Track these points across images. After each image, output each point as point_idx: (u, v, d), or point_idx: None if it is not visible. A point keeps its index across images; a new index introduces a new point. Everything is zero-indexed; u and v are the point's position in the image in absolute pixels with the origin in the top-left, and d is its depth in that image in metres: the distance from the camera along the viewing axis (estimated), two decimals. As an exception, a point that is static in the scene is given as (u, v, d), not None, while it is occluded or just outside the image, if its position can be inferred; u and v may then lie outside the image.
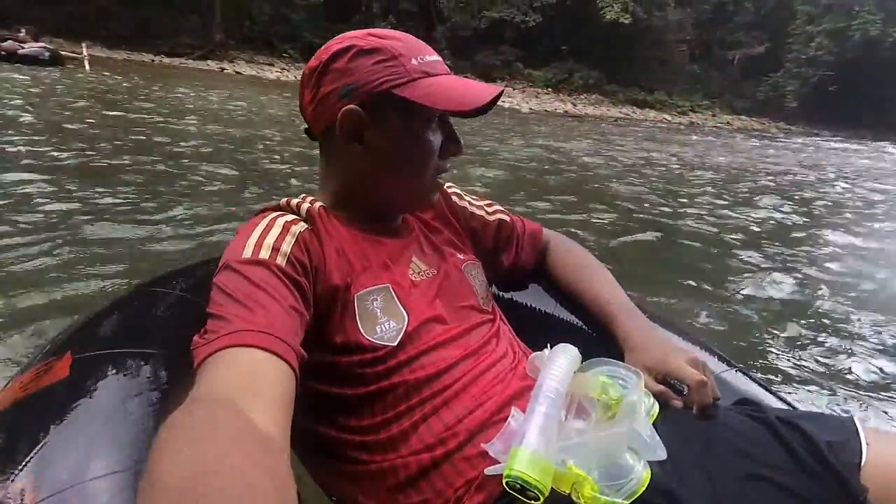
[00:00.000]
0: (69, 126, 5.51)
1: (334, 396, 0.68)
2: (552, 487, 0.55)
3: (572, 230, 3.54)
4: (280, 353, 0.53)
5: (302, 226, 0.70)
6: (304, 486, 0.72)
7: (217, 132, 6.33)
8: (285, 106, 10.28)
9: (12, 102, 6.55)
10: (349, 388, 0.68)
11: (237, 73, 19.61)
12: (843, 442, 0.69)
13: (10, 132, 4.76)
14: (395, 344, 0.69)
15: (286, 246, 0.65)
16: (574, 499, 0.57)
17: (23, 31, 13.22)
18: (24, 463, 0.46)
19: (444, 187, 0.95)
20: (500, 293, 1.06)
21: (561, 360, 0.69)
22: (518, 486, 0.54)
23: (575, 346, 0.92)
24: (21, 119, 5.54)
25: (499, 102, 0.73)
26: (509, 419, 0.65)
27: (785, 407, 0.87)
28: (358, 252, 0.73)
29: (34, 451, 0.47)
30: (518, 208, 3.74)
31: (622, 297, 0.92)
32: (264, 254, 0.63)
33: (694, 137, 15.84)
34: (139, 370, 0.58)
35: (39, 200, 2.98)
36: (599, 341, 0.94)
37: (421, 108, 0.69)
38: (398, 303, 0.72)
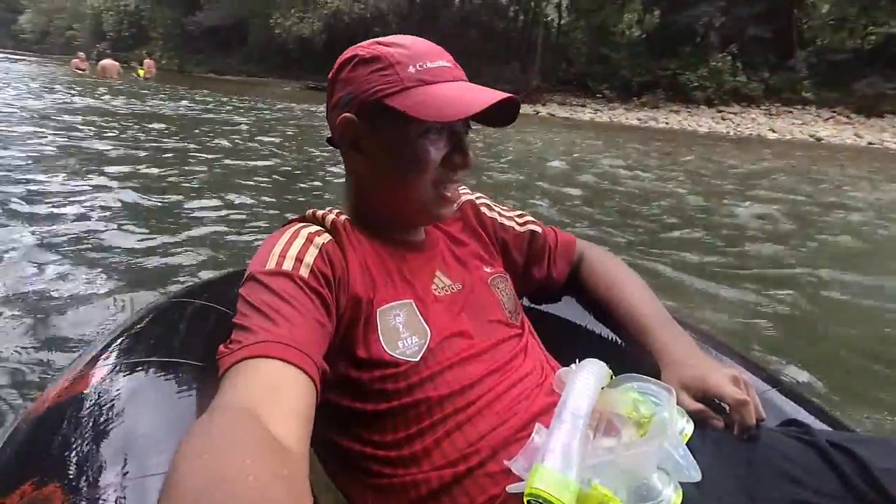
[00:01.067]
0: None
1: (357, 411, 0.68)
2: (576, 507, 0.53)
3: None
4: (301, 365, 0.54)
5: (326, 237, 0.70)
6: (326, 496, 0.72)
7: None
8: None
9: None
10: (371, 402, 0.67)
11: (550, 115, 19.45)
12: None
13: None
14: (418, 359, 0.68)
15: (309, 257, 0.65)
16: None
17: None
18: (52, 469, 0.48)
19: (474, 199, 0.94)
20: (533, 306, 1.04)
21: (586, 377, 0.67)
22: (539, 504, 0.52)
23: (609, 361, 0.89)
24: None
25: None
26: (533, 435, 0.63)
27: (838, 430, 0.81)
28: (380, 266, 0.73)
29: (63, 457, 0.48)
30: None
31: (659, 309, 0.88)
32: (288, 265, 0.63)
33: None
34: (168, 379, 0.60)
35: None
36: (634, 356, 0.90)
37: (414, 118, 0.67)
38: (420, 318, 0.71)
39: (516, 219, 0.96)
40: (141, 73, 17.22)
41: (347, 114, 0.71)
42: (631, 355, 0.91)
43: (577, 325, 1.02)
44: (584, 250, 1.00)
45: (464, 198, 0.93)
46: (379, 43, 0.72)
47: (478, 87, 0.69)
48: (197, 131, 7.25)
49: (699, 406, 0.73)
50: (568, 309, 1.03)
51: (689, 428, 0.66)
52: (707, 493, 0.63)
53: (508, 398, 0.70)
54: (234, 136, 7.11)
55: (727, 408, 0.72)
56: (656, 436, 0.60)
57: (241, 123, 8.80)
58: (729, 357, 0.91)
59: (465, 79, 0.72)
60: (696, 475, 0.59)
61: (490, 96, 0.67)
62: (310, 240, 0.68)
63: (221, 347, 0.56)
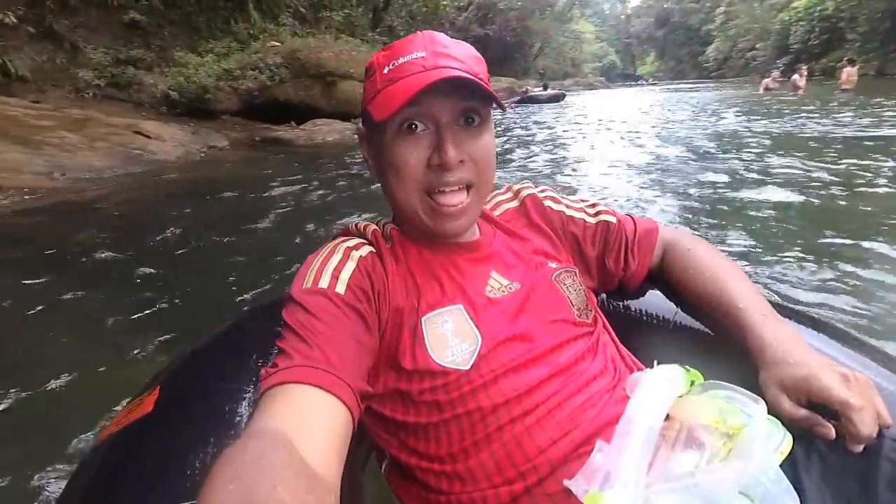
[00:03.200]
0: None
1: (410, 424, 0.66)
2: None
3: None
4: (335, 391, 0.53)
5: (365, 250, 0.69)
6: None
7: None
8: None
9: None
10: (424, 415, 0.66)
11: None
12: None
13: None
14: (468, 367, 0.65)
15: (346, 273, 0.64)
16: None
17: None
18: (101, 494, 0.51)
19: (537, 192, 0.88)
20: (615, 302, 0.94)
21: (656, 385, 0.60)
22: (595, 537, 0.47)
23: (696, 361, 0.78)
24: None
25: None
26: (594, 453, 0.58)
27: None
28: (427, 272, 0.71)
29: (113, 483, 0.52)
30: None
31: (759, 301, 0.75)
32: (324, 283, 0.63)
33: None
34: (221, 404, 0.61)
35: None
36: (733, 355, 0.79)
37: (380, 122, 0.64)
38: (471, 323, 0.67)
39: (587, 210, 0.89)
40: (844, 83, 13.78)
41: (359, 125, 0.73)
42: (728, 354, 0.81)
43: (663, 321, 0.91)
44: (669, 238, 0.89)
45: (525, 192, 0.88)
46: (384, 49, 0.70)
47: (435, 72, 0.63)
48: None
49: (804, 413, 0.62)
50: (654, 303, 0.93)
51: (785, 444, 0.57)
52: None
53: (572, 405, 0.65)
54: None
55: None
56: (740, 457, 0.52)
57: None
58: (859, 352, 0.75)
59: (447, 66, 0.64)
60: (791, 503, 0.50)
61: (429, 79, 0.61)
62: (347, 255, 0.67)
63: (263, 370, 0.57)
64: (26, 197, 4.71)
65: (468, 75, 0.63)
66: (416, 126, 0.65)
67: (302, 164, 6.65)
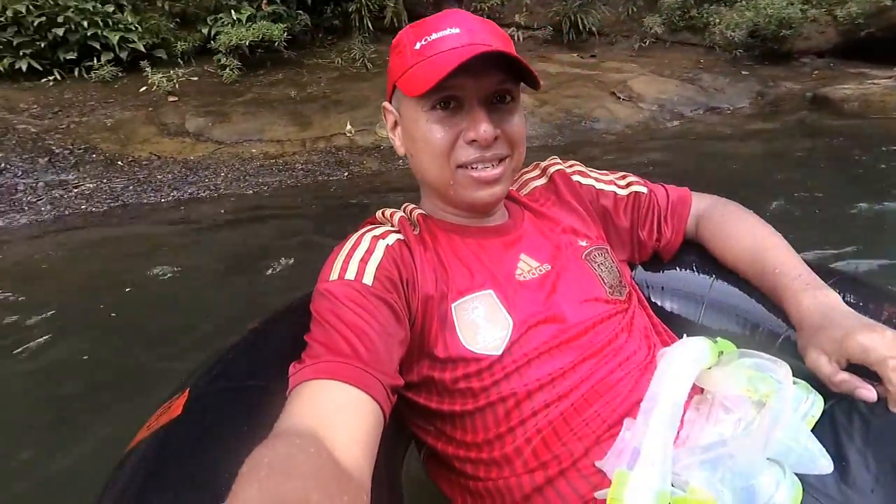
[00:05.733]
0: None
1: (445, 412, 0.67)
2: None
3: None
4: (364, 386, 0.53)
5: (392, 238, 0.68)
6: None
7: None
8: None
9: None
10: (459, 402, 0.66)
11: None
12: None
13: None
14: (500, 353, 0.64)
15: (373, 263, 0.63)
16: None
17: None
18: (130, 501, 0.50)
19: (565, 167, 0.87)
20: (651, 274, 0.92)
21: (680, 359, 0.60)
22: (623, 513, 0.48)
23: (734, 332, 0.76)
24: None
25: None
26: (622, 431, 0.59)
27: None
28: (456, 258, 0.70)
29: (141, 490, 0.51)
30: None
31: (796, 265, 0.73)
32: (350, 274, 0.62)
33: None
34: (251, 403, 0.60)
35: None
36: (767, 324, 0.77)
37: (420, 96, 0.64)
38: (502, 308, 0.67)
39: (617, 182, 0.88)
40: None
41: (385, 103, 0.73)
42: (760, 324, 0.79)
43: (699, 292, 0.89)
44: (703, 205, 0.87)
45: (553, 168, 0.87)
46: (407, 27, 0.71)
47: (471, 48, 0.62)
48: None
49: (844, 376, 0.60)
50: (688, 275, 0.91)
51: (816, 408, 0.56)
52: (853, 485, 0.53)
53: (606, 387, 0.65)
54: None
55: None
56: (767, 424, 0.52)
57: None
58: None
59: (480, 42, 0.65)
60: (826, 466, 0.50)
61: (460, 58, 0.60)
62: (373, 244, 0.67)
63: (292, 366, 0.56)
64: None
65: (508, 52, 0.63)
66: (451, 102, 0.65)
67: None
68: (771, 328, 0.79)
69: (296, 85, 5.32)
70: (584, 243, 0.79)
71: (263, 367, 0.66)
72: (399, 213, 0.75)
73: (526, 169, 0.89)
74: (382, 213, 0.76)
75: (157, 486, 0.51)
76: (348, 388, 0.52)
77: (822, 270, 0.74)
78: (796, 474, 0.51)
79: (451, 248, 0.71)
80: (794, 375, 0.59)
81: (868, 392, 0.58)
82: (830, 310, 0.65)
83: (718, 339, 0.69)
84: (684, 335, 0.69)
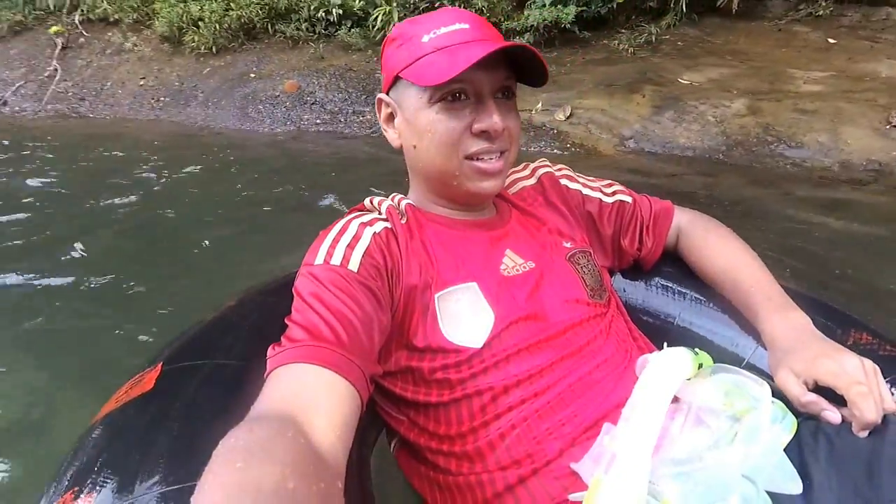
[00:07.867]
0: None
1: (420, 402, 0.67)
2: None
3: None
4: (343, 372, 0.52)
5: (379, 226, 0.68)
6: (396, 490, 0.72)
7: None
8: None
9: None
10: (435, 393, 0.66)
11: None
12: None
13: None
14: (480, 346, 0.64)
15: (359, 249, 0.64)
16: None
17: None
18: (90, 475, 0.48)
19: (554, 171, 0.88)
20: (629, 282, 0.94)
21: (662, 369, 0.60)
22: (598, 520, 0.48)
23: (709, 343, 0.78)
24: None
25: None
26: (601, 436, 0.59)
27: None
28: (442, 248, 0.70)
29: (103, 463, 0.49)
30: None
31: (769, 284, 0.76)
32: (336, 259, 0.62)
33: None
34: (221, 381, 0.59)
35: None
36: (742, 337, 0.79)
37: (425, 88, 0.65)
38: (485, 302, 0.67)
39: (603, 189, 0.89)
40: None
41: (380, 94, 0.73)
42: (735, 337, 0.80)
43: (677, 302, 0.90)
44: (684, 219, 0.90)
45: (542, 170, 0.88)
46: (407, 21, 0.71)
47: (487, 44, 0.64)
48: None
49: (811, 397, 0.61)
50: (667, 286, 0.93)
51: (786, 432, 0.57)
52: None
53: (584, 386, 0.66)
54: None
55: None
56: (745, 441, 0.52)
57: None
58: (871, 335, 0.73)
59: (490, 38, 0.67)
60: (795, 488, 0.51)
61: (483, 51, 0.61)
62: (361, 230, 0.67)
63: (271, 348, 0.55)
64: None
65: (524, 46, 0.64)
66: (461, 94, 0.66)
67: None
68: (741, 346, 0.80)
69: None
70: (568, 245, 0.80)
71: (240, 346, 0.64)
72: (387, 202, 0.74)
73: (516, 168, 0.90)
74: (370, 201, 0.76)
75: (123, 459, 0.48)
76: (328, 372, 0.52)
77: (791, 292, 0.76)
78: (767, 492, 0.52)
79: (438, 239, 0.71)
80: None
81: (833, 415, 0.59)
82: (801, 331, 0.68)
83: (698, 350, 0.70)
84: (664, 344, 0.70)
